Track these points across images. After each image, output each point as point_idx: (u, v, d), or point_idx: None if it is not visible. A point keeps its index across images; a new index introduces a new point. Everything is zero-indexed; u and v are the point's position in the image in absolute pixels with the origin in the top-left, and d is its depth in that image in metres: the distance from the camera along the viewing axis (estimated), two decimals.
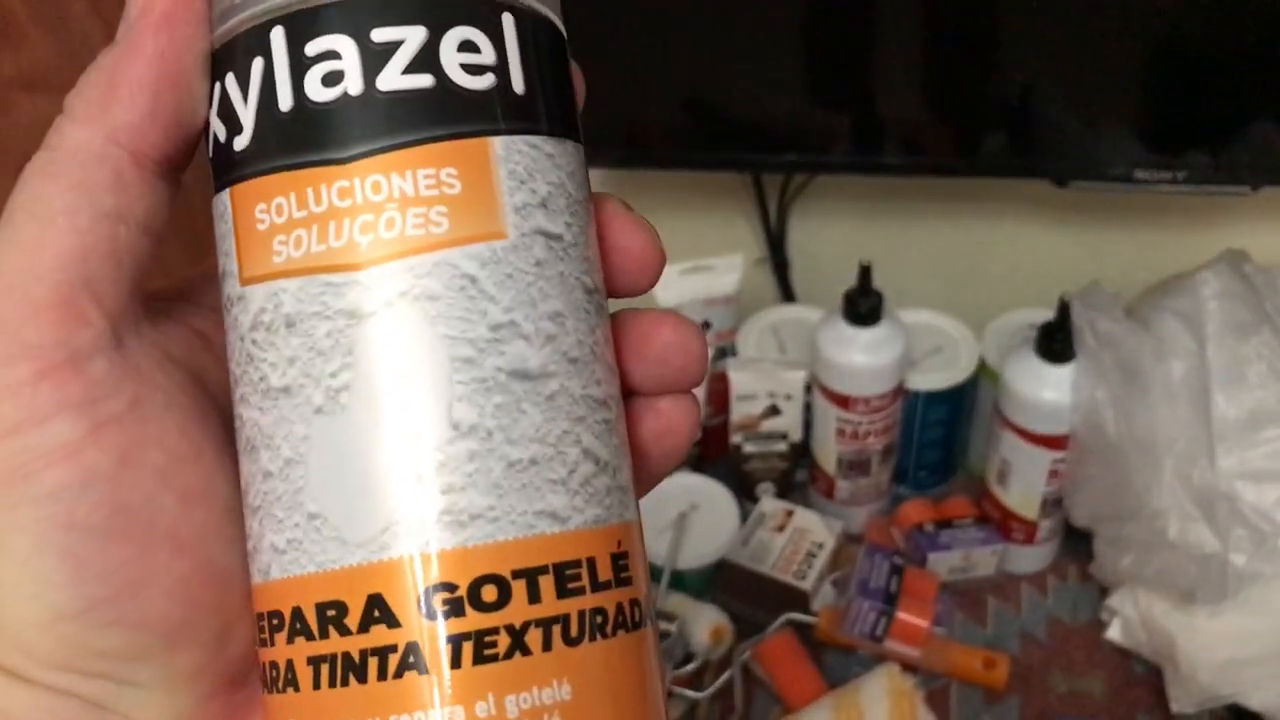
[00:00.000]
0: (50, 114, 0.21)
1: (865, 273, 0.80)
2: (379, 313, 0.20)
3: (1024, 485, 0.82)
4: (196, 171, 0.23)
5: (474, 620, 0.19)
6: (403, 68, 0.20)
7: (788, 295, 1.02)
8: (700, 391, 0.88)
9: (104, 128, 0.20)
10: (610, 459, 0.22)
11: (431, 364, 0.20)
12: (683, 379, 0.24)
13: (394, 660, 0.19)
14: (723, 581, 0.84)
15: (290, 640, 0.20)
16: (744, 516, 0.87)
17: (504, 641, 0.19)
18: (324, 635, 0.20)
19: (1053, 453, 0.80)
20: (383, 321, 0.20)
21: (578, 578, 0.20)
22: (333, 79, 0.20)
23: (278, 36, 0.20)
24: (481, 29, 0.21)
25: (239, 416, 0.21)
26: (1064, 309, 0.78)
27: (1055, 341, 0.78)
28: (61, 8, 0.65)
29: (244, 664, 0.23)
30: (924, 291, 0.94)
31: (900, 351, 0.82)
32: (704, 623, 0.80)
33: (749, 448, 0.89)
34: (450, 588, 0.19)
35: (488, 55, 0.21)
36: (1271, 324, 0.77)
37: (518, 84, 0.21)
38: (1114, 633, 0.81)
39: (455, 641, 0.19)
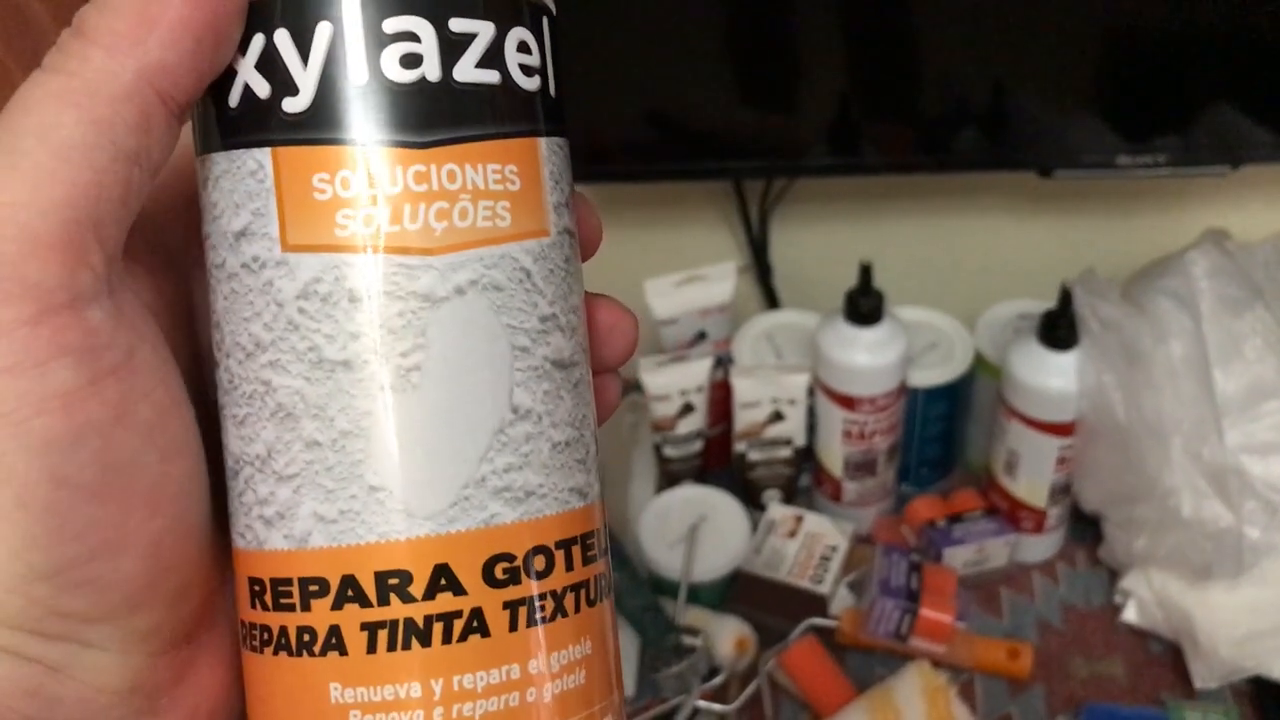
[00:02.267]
0: None
1: (866, 272, 0.80)
2: (451, 299, 0.21)
3: (1032, 474, 0.83)
4: None
5: (528, 587, 0.21)
6: (476, 61, 0.21)
7: (772, 302, 1.02)
8: (702, 401, 0.87)
9: (136, 63, 0.19)
10: (598, 439, 0.24)
11: (497, 351, 0.21)
12: (618, 359, 0.26)
13: (459, 625, 0.21)
14: (739, 592, 0.83)
15: (338, 606, 0.21)
16: (753, 525, 0.87)
17: (550, 606, 0.22)
18: (384, 602, 0.20)
19: (1061, 439, 0.80)
20: (457, 307, 0.21)
21: (593, 546, 0.23)
22: (411, 61, 0.20)
23: (351, 6, 0.20)
24: (532, 31, 0.22)
25: (263, 380, 0.21)
26: (1065, 296, 0.78)
27: (1059, 329, 0.78)
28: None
29: (195, 619, 0.22)
30: (912, 289, 0.95)
31: (902, 349, 0.82)
32: (727, 635, 0.80)
33: (753, 455, 0.88)
34: (510, 558, 0.21)
35: (535, 57, 0.22)
36: (1262, 298, 0.79)
37: (552, 86, 0.23)
38: (1130, 614, 0.82)
39: (513, 607, 0.21)
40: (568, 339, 0.22)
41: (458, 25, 0.21)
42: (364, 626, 0.20)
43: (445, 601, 0.21)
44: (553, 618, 0.22)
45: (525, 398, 0.21)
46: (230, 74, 0.21)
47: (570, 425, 0.22)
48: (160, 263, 0.23)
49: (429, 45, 0.20)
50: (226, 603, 0.23)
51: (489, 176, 0.21)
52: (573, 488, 0.22)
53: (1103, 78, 0.85)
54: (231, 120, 0.21)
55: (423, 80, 0.20)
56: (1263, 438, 0.76)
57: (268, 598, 0.21)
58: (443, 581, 0.21)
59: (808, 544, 0.85)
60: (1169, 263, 0.82)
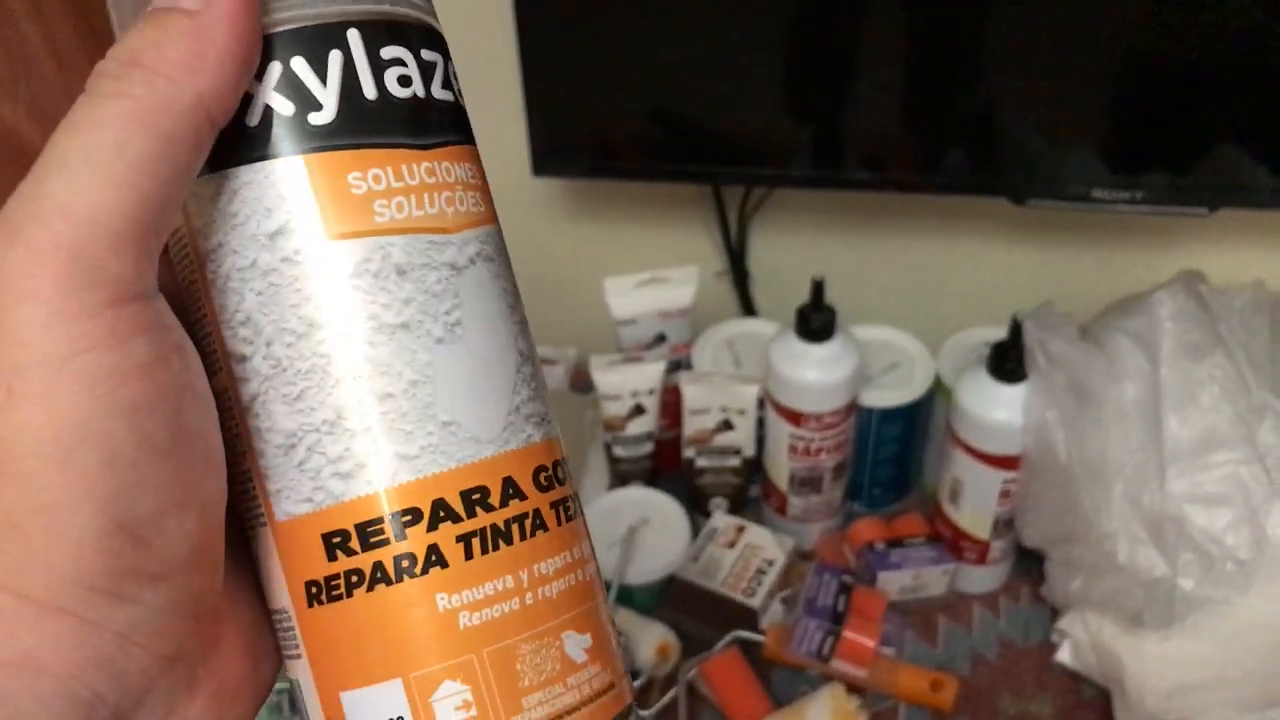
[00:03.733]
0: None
1: (818, 288, 0.79)
2: (468, 267, 0.26)
3: (975, 505, 0.82)
4: None
5: (559, 492, 0.26)
6: (441, 83, 0.26)
7: (748, 309, 1.01)
8: (654, 404, 0.87)
9: (193, 89, 0.22)
10: None
11: (501, 309, 0.26)
12: None
13: (528, 524, 0.25)
14: (671, 597, 0.83)
15: (433, 528, 0.24)
16: (696, 532, 0.86)
17: (573, 505, 0.27)
18: (470, 515, 0.25)
19: (1004, 473, 0.79)
20: (473, 273, 0.26)
21: (565, 465, 0.27)
22: (406, 81, 0.25)
23: (354, 37, 0.25)
24: (450, 62, 0.27)
25: (323, 354, 0.25)
26: (1015, 329, 0.77)
27: (1007, 361, 0.77)
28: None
29: (219, 595, 0.24)
30: (881, 308, 0.94)
31: (853, 368, 0.81)
32: (650, 639, 0.80)
33: (702, 462, 0.88)
34: (545, 469, 0.26)
35: (456, 84, 0.27)
36: (1225, 346, 0.77)
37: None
38: (1064, 655, 0.81)
39: (557, 506, 0.26)
40: (520, 301, 0.28)
41: (425, 55, 0.26)
42: (458, 539, 0.25)
43: (515, 507, 0.25)
44: (577, 514, 0.27)
45: (524, 344, 0.27)
46: (245, 98, 0.24)
47: (539, 368, 0.28)
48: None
49: (413, 69, 0.25)
50: (241, 586, 0.26)
51: (466, 173, 0.26)
52: (552, 416, 0.27)
53: (1089, 110, 0.83)
54: (253, 137, 0.24)
55: (414, 96, 0.25)
56: (1209, 488, 0.74)
57: (354, 542, 0.24)
58: (510, 491, 0.25)
59: (745, 555, 0.84)
60: (1136, 301, 0.80)
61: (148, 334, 0.22)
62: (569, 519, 0.26)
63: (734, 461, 0.88)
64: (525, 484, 0.26)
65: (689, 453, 0.88)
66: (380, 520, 0.24)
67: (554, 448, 0.27)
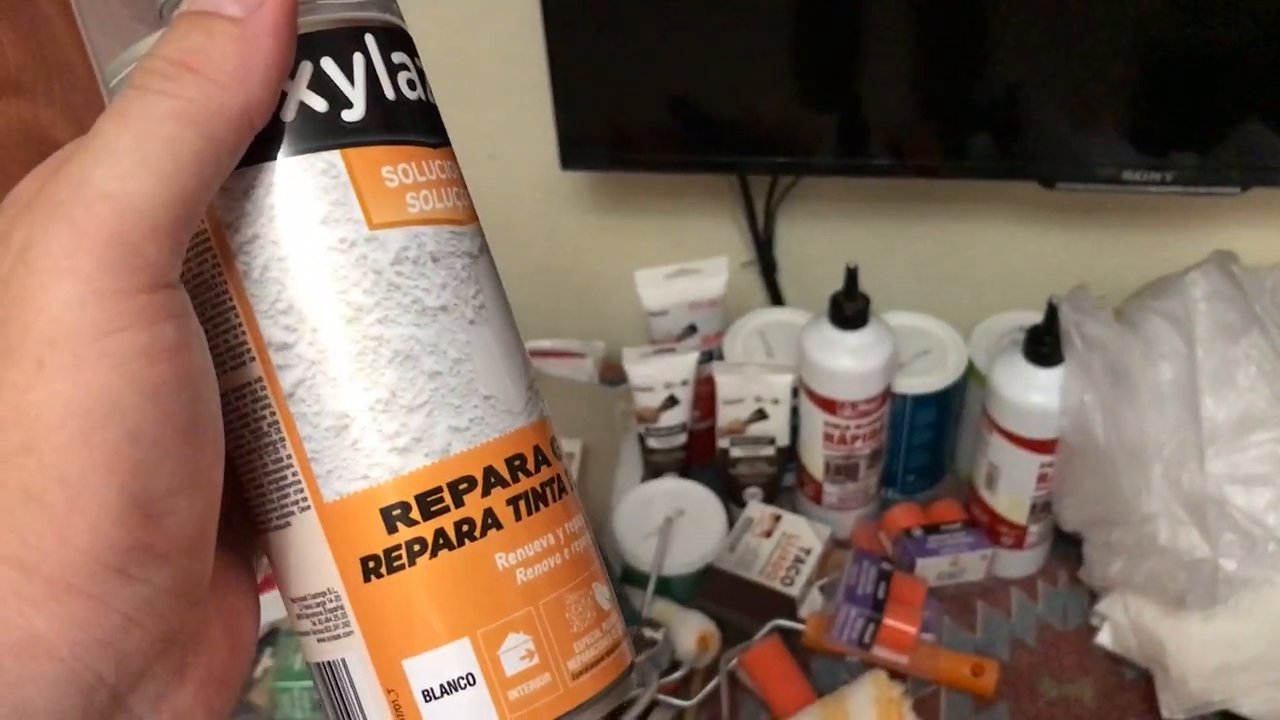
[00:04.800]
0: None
1: (852, 276, 0.79)
2: (480, 256, 0.27)
3: (1012, 489, 0.82)
4: None
5: (563, 462, 0.28)
6: (429, 88, 0.28)
7: (776, 298, 1.01)
8: (687, 395, 0.87)
9: (241, 97, 0.23)
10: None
11: (501, 295, 0.28)
12: None
13: (555, 488, 0.27)
14: (709, 588, 0.83)
15: (487, 493, 0.26)
16: (731, 522, 0.86)
17: (570, 476, 0.29)
18: (515, 480, 0.27)
19: (1041, 456, 0.79)
20: (485, 261, 0.28)
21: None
22: (412, 84, 0.27)
23: (371, 41, 0.26)
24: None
25: (374, 337, 0.26)
26: (1051, 312, 0.77)
27: (1043, 345, 0.77)
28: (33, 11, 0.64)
29: (208, 582, 0.25)
30: (911, 294, 0.94)
31: (887, 355, 0.81)
32: (691, 630, 0.80)
33: (736, 452, 0.88)
34: (555, 441, 0.28)
35: None
36: (1260, 325, 0.77)
37: None
38: (1104, 638, 0.81)
39: (566, 474, 0.28)
40: None
41: (418, 62, 0.27)
42: (508, 502, 0.26)
43: (545, 472, 0.27)
44: (570, 490, 0.28)
45: (517, 328, 0.28)
46: (282, 97, 0.25)
47: None
48: None
49: (415, 73, 0.27)
50: (225, 579, 0.27)
51: (458, 172, 0.28)
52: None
53: (1117, 91, 0.83)
54: (288, 133, 0.25)
55: (420, 99, 0.27)
56: (1248, 468, 0.74)
57: (414, 513, 0.26)
58: (540, 457, 0.27)
59: (782, 545, 0.84)
60: (1168, 283, 0.80)
61: (175, 320, 0.22)
62: (572, 486, 0.29)
63: (768, 451, 0.88)
64: (548, 451, 0.28)
65: (723, 443, 0.88)
66: (440, 490, 0.26)
67: (550, 423, 0.29)
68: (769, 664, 0.79)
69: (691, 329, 0.91)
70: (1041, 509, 0.82)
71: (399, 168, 0.26)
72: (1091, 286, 0.82)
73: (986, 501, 0.84)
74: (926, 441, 0.89)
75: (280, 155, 0.25)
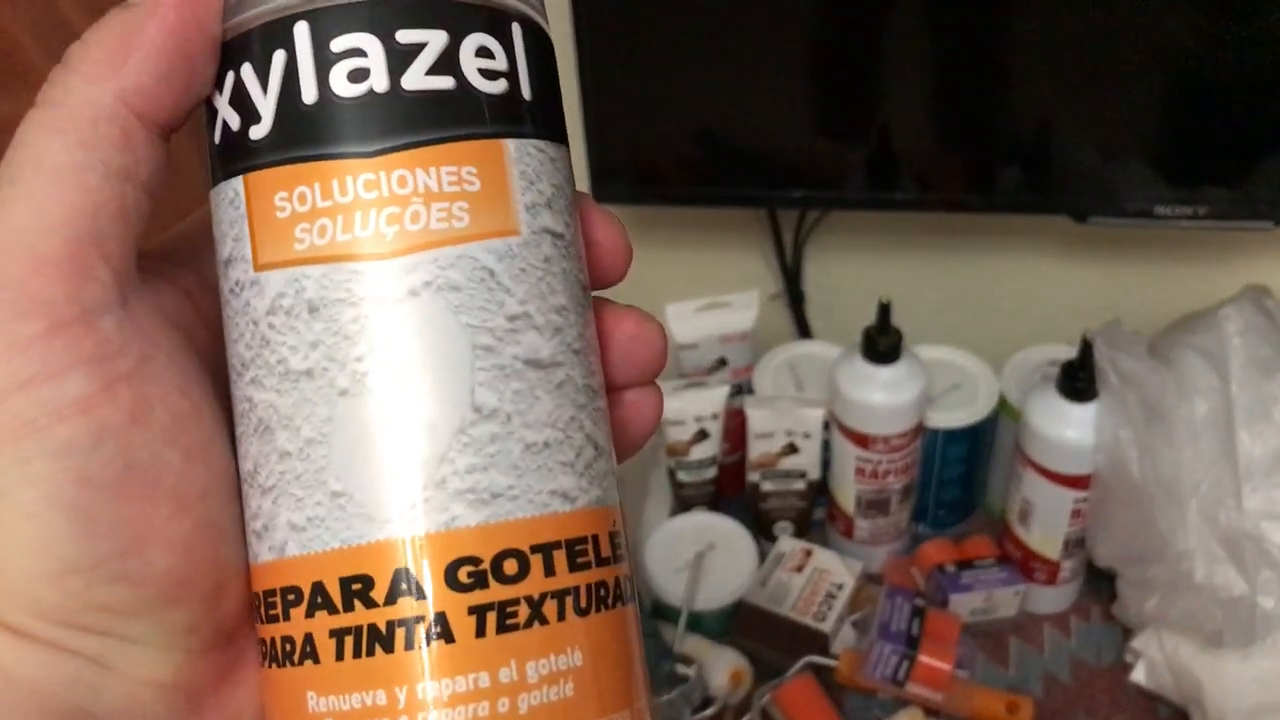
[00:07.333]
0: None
1: (885, 310, 0.79)
2: (405, 301, 0.21)
3: (1046, 525, 0.81)
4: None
5: (496, 592, 0.21)
6: (426, 69, 0.21)
7: (804, 331, 1.01)
8: (717, 429, 0.87)
9: (114, 86, 0.20)
10: (605, 444, 0.23)
11: (455, 351, 0.21)
12: (645, 371, 0.26)
13: (420, 630, 0.20)
14: (740, 623, 0.83)
15: (310, 614, 0.21)
16: (762, 556, 0.86)
17: (524, 612, 0.21)
18: (348, 608, 0.20)
19: (1075, 492, 0.79)
20: (409, 309, 0.21)
21: (585, 553, 0.22)
22: (358, 76, 0.21)
23: (301, 31, 0.21)
24: (495, 36, 0.22)
25: (247, 399, 0.22)
26: (1086, 347, 0.77)
27: (1078, 380, 0.77)
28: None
29: (234, 621, 0.23)
30: (942, 327, 0.94)
31: (920, 389, 0.81)
32: (723, 666, 0.79)
33: (767, 486, 0.88)
34: (475, 561, 0.21)
35: (501, 62, 0.22)
36: None
37: (526, 90, 0.23)
38: (1139, 675, 0.80)
39: (480, 612, 0.20)
40: (547, 338, 0.22)
41: (406, 36, 0.21)
42: (332, 633, 0.21)
43: (407, 606, 0.20)
44: (528, 624, 0.21)
45: (490, 397, 0.21)
46: (214, 112, 0.22)
47: (551, 426, 0.22)
48: (194, 281, 0.24)
49: (376, 59, 0.21)
50: None
51: (443, 179, 0.21)
52: (555, 490, 0.22)
53: (1148, 124, 0.83)
54: (216, 155, 0.22)
55: (370, 92, 0.21)
56: None
57: (262, 610, 0.22)
58: (403, 586, 0.20)
59: (814, 579, 0.84)
60: (1202, 318, 0.79)
61: (87, 363, 0.20)
62: (504, 629, 0.21)
63: (799, 485, 0.87)
64: (429, 579, 0.20)
65: (754, 477, 0.88)
66: (274, 593, 0.22)
67: (514, 532, 0.21)
68: (802, 700, 0.78)
69: (722, 362, 0.91)
70: (1075, 545, 0.82)
71: (295, 192, 0.21)
72: (1123, 320, 0.82)
73: (1020, 537, 0.83)
74: (958, 476, 0.88)
75: (211, 182, 0.22)
